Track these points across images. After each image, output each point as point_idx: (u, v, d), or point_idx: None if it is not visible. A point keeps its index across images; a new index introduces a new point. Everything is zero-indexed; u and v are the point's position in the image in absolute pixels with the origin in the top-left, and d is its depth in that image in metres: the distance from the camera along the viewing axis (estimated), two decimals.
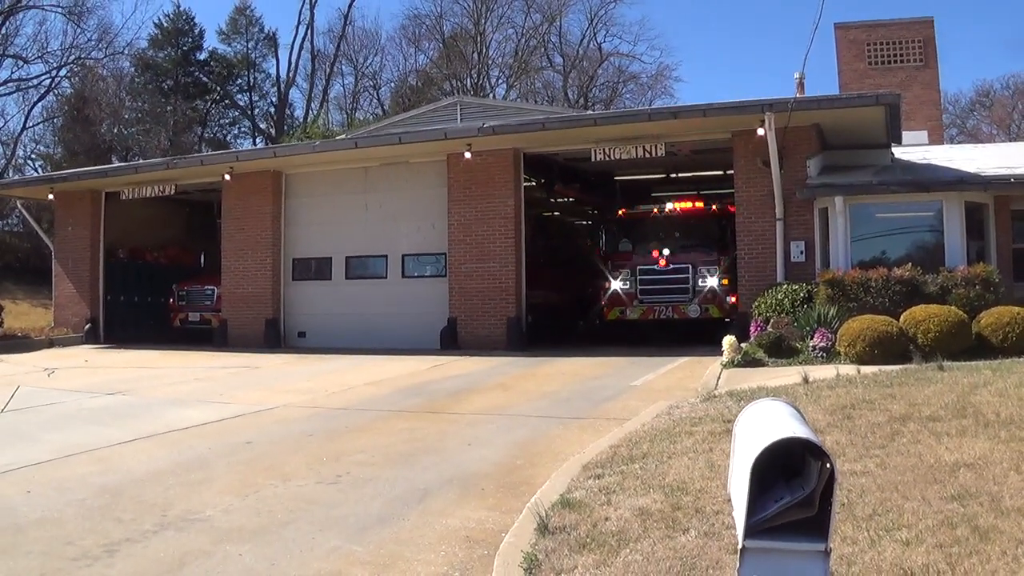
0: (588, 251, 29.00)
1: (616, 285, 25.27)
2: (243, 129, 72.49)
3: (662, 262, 24.88)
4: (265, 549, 7.14)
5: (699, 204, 26.96)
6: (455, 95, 52.67)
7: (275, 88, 72.29)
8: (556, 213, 34.69)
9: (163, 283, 31.74)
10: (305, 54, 71.44)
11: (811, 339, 17.73)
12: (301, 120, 69.21)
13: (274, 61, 72.44)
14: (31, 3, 55.46)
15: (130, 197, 30.28)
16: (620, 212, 27.51)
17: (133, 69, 64.13)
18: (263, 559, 6.92)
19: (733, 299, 23.31)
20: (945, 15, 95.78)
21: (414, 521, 7.81)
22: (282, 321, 27.72)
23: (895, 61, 38.68)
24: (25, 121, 57.33)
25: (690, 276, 24.60)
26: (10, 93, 57.61)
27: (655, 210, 26.88)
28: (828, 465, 3.43)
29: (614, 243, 26.80)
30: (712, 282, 24.35)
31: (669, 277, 24.81)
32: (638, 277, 25.06)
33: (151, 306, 31.95)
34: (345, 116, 70.76)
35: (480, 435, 11.70)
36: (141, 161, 42.95)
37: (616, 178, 31.56)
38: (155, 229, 33.33)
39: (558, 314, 29.07)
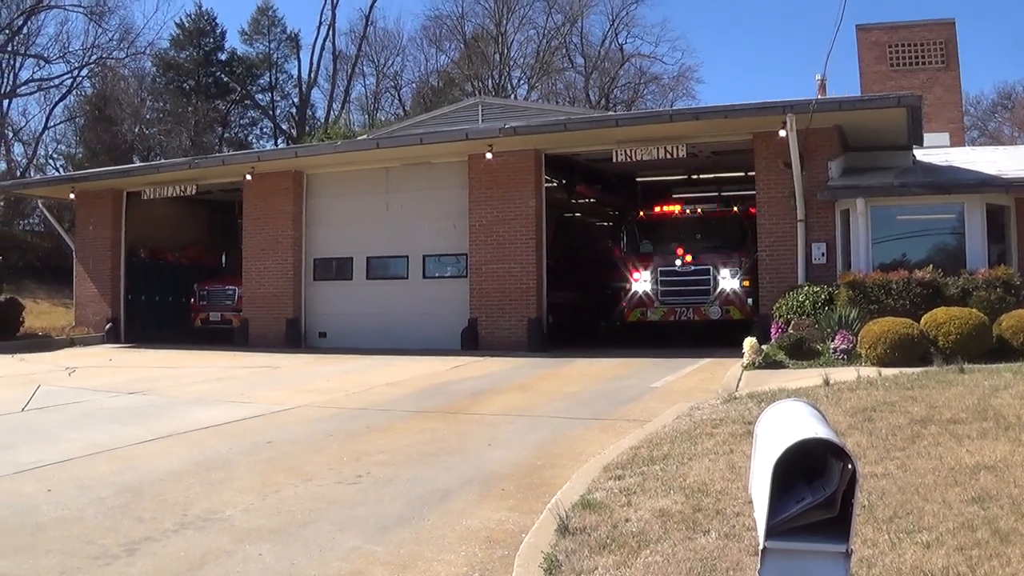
0: (609, 252, 28.93)
1: (637, 287, 25.25)
2: (264, 129, 72.82)
3: (684, 261, 24.85)
4: (285, 549, 7.15)
5: (720, 206, 26.94)
6: (476, 96, 52.75)
7: (297, 89, 72.57)
8: (577, 214, 34.67)
9: (184, 283, 31.84)
10: (327, 55, 71.71)
11: (832, 341, 17.70)
12: (322, 121, 69.36)
13: (296, 62, 72.50)
14: (53, 3, 55.76)
15: (151, 197, 30.36)
16: (641, 213, 27.53)
17: (154, 69, 64.54)
18: (283, 559, 6.93)
19: (753, 301, 23.26)
20: (967, 17, 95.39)
21: (434, 521, 7.82)
22: (303, 321, 27.77)
23: (916, 63, 38.49)
24: (47, 121, 57.87)
25: (711, 278, 24.54)
26: (32, 93, 58.25)
27: (676, 211, 26.89)
28: (850, 466, 3.42)
29: (635, 244, 26.81)
30: (733, 284, 24.29)
31: (690, 279, 24.77)
32: (659, 279, 25.00)
33: (172, 306, 32.05)
34: (367, 117, 70.87)
35: (501, 436, 11.71)
36: (162, 161, 43.10)
37: (638, 179, 31.53)
38: (176, 229, 33.49)
39: (579, 315, 29.05)
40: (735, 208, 26.34)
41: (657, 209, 27.10)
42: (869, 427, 9.82)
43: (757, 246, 22.42)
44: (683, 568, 5.94)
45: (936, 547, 6.00)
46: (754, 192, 22.78)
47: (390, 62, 74.08)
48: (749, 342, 17.44)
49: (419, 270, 26.54)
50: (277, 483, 9.28)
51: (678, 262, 24.94)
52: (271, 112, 72.22)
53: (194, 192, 29.92)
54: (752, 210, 23.55)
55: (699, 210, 26.71)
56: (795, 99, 21.16)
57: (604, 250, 30.05)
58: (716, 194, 30.11)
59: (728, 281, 24.34)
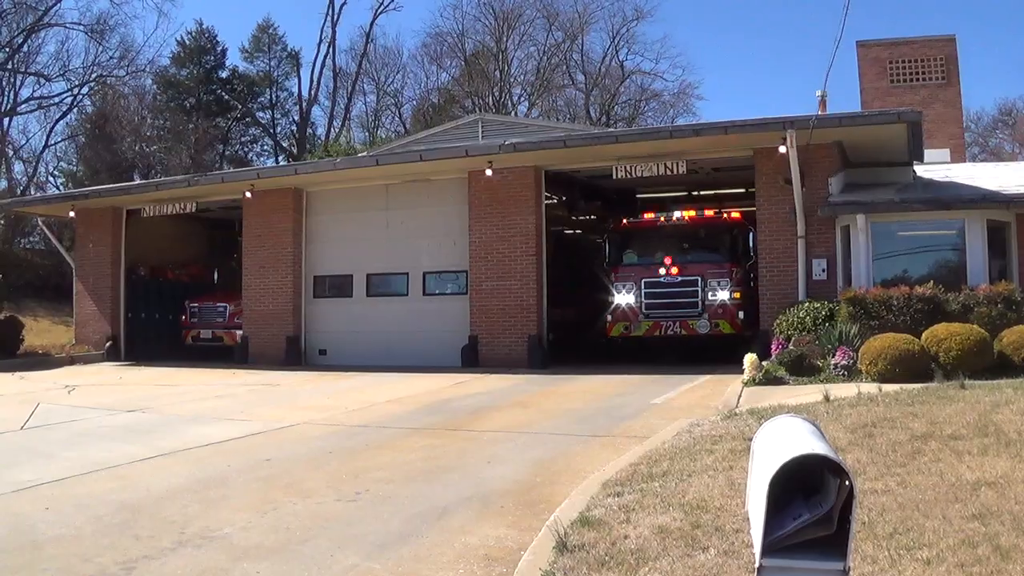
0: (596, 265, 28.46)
1: (620, 299, 24.68)
2: (265, 147, 72.95)
3: (670, 272, 24.21)
4: (283, 566, 7.13)
5: (708, 212, 26.18)
6: (477, 113, 52.74)
7: (297, 106, 72.63)
8: (578, 231, 34.64)
9: (184, 300, 31.78)
10: (327, 72, 71.71)
11: (833, 357, 17.66)
12: (323, 138, 69.41)
13: (296, 79, 72.60)
14: (53, 21, 55.93)
15: (151, 214, 30.34)
16: (623, 222, 26.63)
17: (155, 87, 64.54)
18: None
19: (746, 314, 23.10)
20: (968, 33, 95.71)
21: (433, 538, 7.80)
22: (303, 338, 27.75)
23: (917, 79, 38.51)
24: (47, 139, 57.93)
25: (699, 289, 23.87)
26: (32, 111, 58.16)
27: (661, 220, 25.87)
28: (847, 483, 3.40)
29: (618, 255, 25.87)
30: (723, 296, 23.70)
31: (676, 291, 24.10)
32: (643, 291, 24.37)
33: (172, 324, 31.94)
34: (367, 134, 70.93)
35: (500, 453, 11.69)
36: (162, 178, 43.05)
37: (638, 196, 31.43)
38: (176, 246, 33.46)
39: (579, 332, 28.95)
40: (724, 215, 25.75)
41: (640, 217, 26.50)
42: (869, 443, 9.79)
43: (750, 256, 22.28)
44: None
45: (936, 564, 5.97)
46: (754, 208, 22.69)
47: (390, 79, 74.28)
48: (749, 358, 17.40)
49: (419, 287, 26.52)
50: (276, 501, 9.26)
51: (662, 271, 24.27)
52: (271, 130, 72.38)
53: (194, 209, 29.91)
54: (741, 217, 23.44)
55: (686, 218, 25.69)
56: (795, 115, 21.13)
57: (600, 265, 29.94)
58: (706, 204, 29.62)
59: (718, 293, 23.72)
